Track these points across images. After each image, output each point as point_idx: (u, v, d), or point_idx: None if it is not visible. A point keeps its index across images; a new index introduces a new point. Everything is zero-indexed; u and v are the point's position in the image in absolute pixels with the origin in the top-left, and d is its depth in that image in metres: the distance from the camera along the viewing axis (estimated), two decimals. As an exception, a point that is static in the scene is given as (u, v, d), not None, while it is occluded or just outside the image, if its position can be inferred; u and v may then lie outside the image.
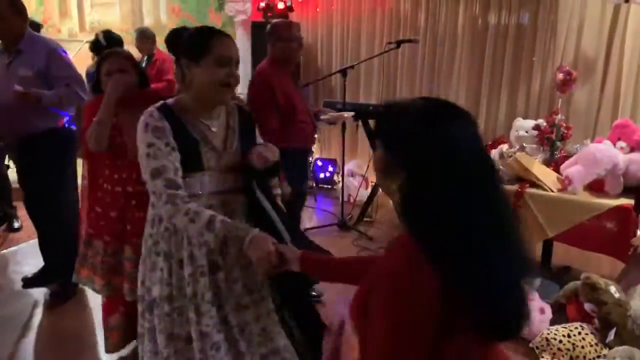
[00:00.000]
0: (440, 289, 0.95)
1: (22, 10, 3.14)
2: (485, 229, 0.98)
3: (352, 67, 4.19)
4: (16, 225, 4.56)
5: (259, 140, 2.01)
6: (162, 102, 1.77)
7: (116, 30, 4.32)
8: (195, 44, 1.72)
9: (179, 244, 1.77)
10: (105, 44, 3.62)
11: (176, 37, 1.82)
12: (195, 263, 1.76)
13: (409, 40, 4.23)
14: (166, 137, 1.68)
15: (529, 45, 4.91)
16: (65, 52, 3.30)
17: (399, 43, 4.10)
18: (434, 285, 0.95)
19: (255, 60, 6.08)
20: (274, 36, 3.20)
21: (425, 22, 5.40)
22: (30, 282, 3.54)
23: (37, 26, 3.83)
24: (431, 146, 0.98)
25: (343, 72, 4.16)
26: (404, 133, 1.02)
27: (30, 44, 3.13)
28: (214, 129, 1.81)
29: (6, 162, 4.55)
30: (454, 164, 0.97)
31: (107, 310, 2.64)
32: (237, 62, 1.76)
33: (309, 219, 5.02)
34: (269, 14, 5.93)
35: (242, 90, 6.32)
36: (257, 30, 6.01)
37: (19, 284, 3.56)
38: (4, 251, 4.12)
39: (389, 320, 0.99)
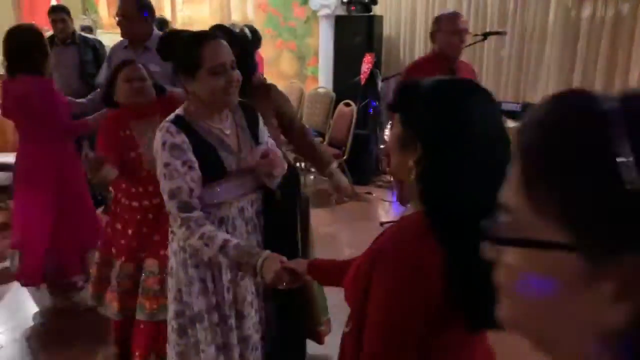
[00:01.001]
0: (441, 266, 0.98)
1: (149, 11, 3.16)
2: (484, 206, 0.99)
3: (435, 60, 4.12)
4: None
5: (266, 134, 1.95)
6: (174, 114, 1.73)
7: (204, 26, 4.46)
8: (185, 60, 1.69)
9: None
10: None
11: (167, 52, 1.82)
12: (235, 269, 1.73)
13: (497, 33, 4.12)
14: (185, 154, 1.66)
15: (627, 38, 4.61)
16: None
17: (485, 35, 3.98)
18: (436, 261, 0.98)
19: (337, 54, 6.12)
20: (436, 27, 3.16)
21: (513, 14, 5.20)
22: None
23: (164, 23, 3.84)
24: (447, 119, 1.02)
25: (426, 65, 4.10)
26: (423, 107, 1.05)
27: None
28: (227, 132, 1.78)
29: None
30: (469, 139, 1.00)
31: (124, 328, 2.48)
32: (233, 64, 1.70)
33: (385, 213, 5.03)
34: (352, 7, 5.96)
35: (324, 84, 6.41)
36: (340, 24, 6.06)
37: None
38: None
39: (391, 289, 1.01)
